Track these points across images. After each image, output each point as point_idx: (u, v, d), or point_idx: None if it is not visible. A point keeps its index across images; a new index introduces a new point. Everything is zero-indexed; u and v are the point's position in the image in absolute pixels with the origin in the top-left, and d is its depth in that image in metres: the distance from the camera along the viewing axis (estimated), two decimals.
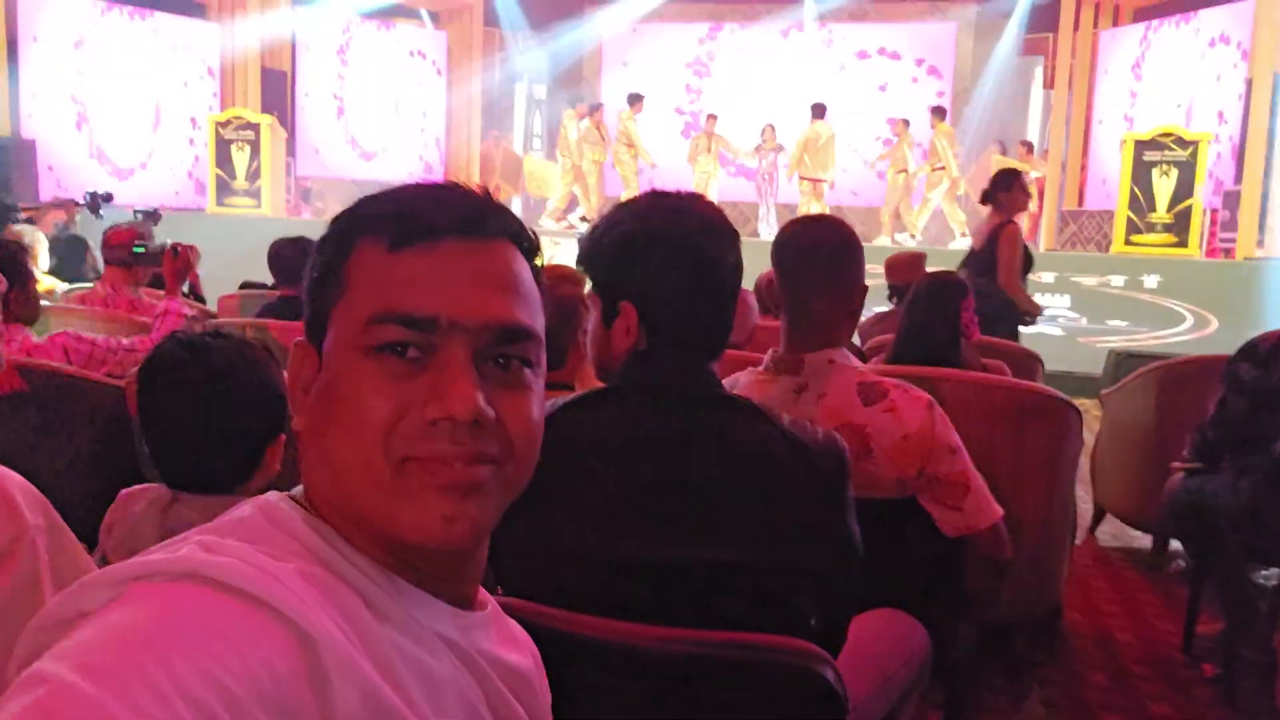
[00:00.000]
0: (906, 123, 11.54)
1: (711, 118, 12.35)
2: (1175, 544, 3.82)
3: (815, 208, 11.09)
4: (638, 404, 1.32)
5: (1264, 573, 3.37)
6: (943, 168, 11.12)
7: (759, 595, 1.24)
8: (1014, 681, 2.79)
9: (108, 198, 6.49)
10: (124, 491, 1.43)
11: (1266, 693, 2.65)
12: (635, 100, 12.16)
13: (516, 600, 1.22)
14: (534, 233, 0.77)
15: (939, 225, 11.63)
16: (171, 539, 0.64)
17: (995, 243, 4.96)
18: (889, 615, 1.75)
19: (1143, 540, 4.04)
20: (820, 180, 11.29)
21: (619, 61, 14.46)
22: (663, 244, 1.33)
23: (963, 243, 10.29)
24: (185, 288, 5.17)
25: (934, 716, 2.21)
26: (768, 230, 11.65)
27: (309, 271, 0.75)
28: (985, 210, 5.11)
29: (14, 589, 0.85)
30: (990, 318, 5.00)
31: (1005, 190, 5.01)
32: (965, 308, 2.86)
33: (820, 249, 1.83)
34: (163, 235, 5.75)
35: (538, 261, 0.76)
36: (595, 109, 12.32)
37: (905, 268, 4.24)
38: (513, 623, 0.82)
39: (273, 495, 0.70)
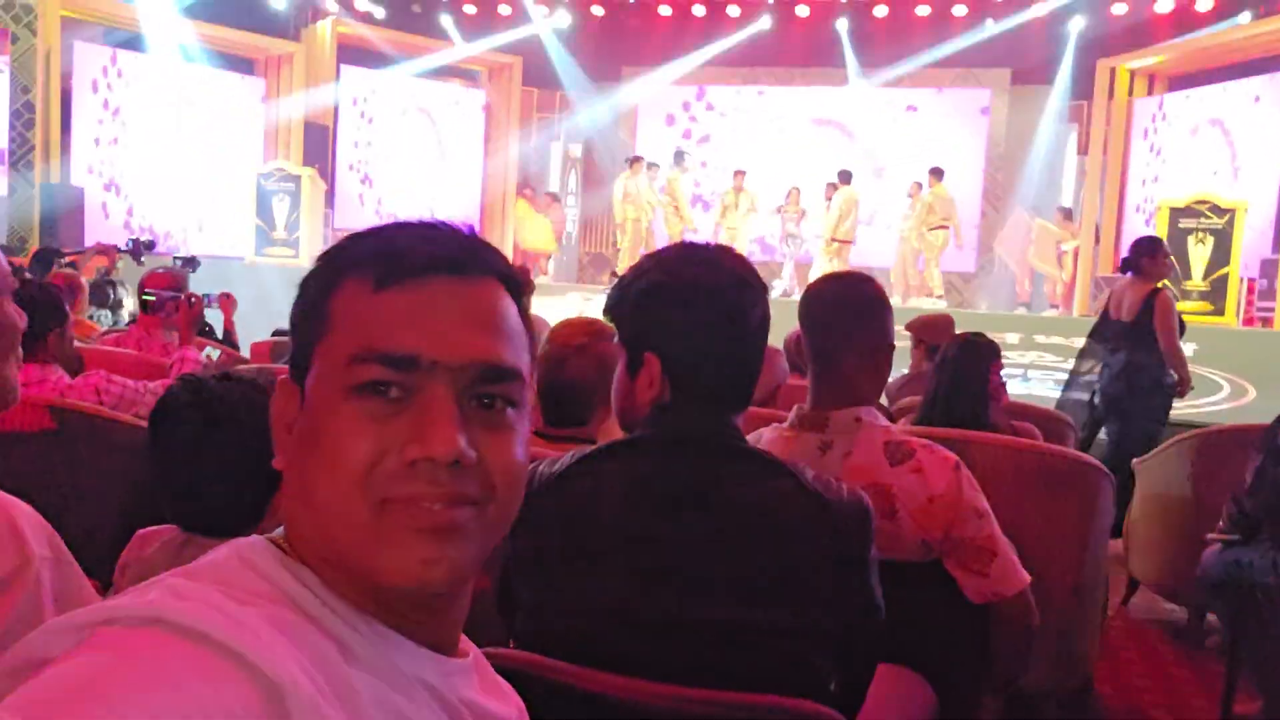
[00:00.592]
0: (919, 185, 11.59)
1: (740, 174, 12.44)
2: (1211, 617, 3.71)
3: (836, 266, 11.17)
4: (656, 457, 1.31)
5: None
6: (944, 226, 11.16)
7: (777, 655, 1.22)
8: None
9: (150, 245, 6.61)
10: (140, 532, 1.43)
11: None
12: (679, 158, 12.28)
13: (529, 655, 1.21)
14: (523, 270, 0.77)
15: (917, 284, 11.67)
16: (146, 582, 0.63)
17: (1150, 312, 4.83)
18: (893, 674, 1.71)
19: (1178, 613, 3.93)
20: (848, 242, 11.34)
21: (655, 121, 14.64)
22: (688, 296, 1.33)
23: (938, 304, 10.32)
24: (220, 334, 5.26)
25: None
26: (780, 287, 11.65)
27: (294, 308, 0.75)
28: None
29: (15, 619, 0.85)
30: (1144, 391, 4.92)
31: (1149, 256, 4.93)
32: (995, 370, 2.83)
33: (848, 305, 1.82)
34: (201, 283, 5.86)
35: (525, 300, 0.76)
36: (633, 161, 12.43)
37: (938, 328, 4.20)
38: (496, 675, 0.80)
39: (251, 538, 0.70)
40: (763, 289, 1.36)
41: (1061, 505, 2.70)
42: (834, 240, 11.33)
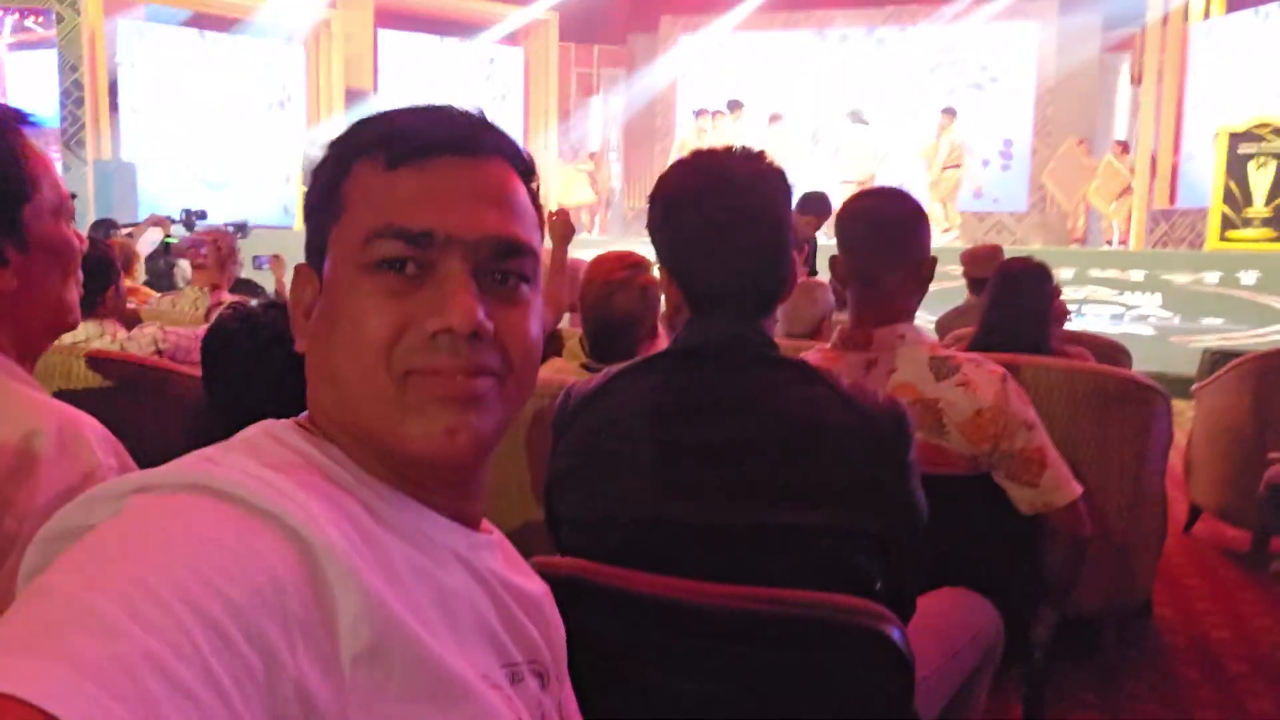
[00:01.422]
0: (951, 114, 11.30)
1: (702, 113, 12.20)
2: (1276, 542, 3.65)
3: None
4: (685, 368, 1.30)
5: None
6: (955, 166, 10.96)
7: (820, 557, 1.22)
8: (1102, 677, 2.70)
9: (202, 214, 6.71)
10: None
11: None
12: (735, 106, 12.09)
13: (577, 560, 1.23)
14: (529, 154, 0.78)
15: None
16: (178, 460, 0.64)
17: None
18: (956, 593, 1.71)
19: (1240, 538, 3.87)
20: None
21: (699, 72, 14.47)
22: (685, 204, 1.32)
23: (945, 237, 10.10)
24: (272, 293, 5.36)
25: (1015, 707, 2.15)
26: None
27: (307, 197, 0.76)
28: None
29: None
30: None
31: None
32: (1056, 291, 2.79)
33: (886, 221, 1.80)
34: (251, 248, 5.95)
35: (534, 183, 0.77)
36: (699, 114, 12.21)
37: (986, 260, 4.13)
38: (519, 555, 0.82)
39: (279, 422, 0.71)
40: (776, 190, 1.32)
41: (1115, 425, 2.67)
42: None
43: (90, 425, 0.93)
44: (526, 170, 0.76)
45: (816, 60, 13.96)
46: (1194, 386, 4.16)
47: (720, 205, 1.29)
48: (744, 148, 1.34)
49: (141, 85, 11.48)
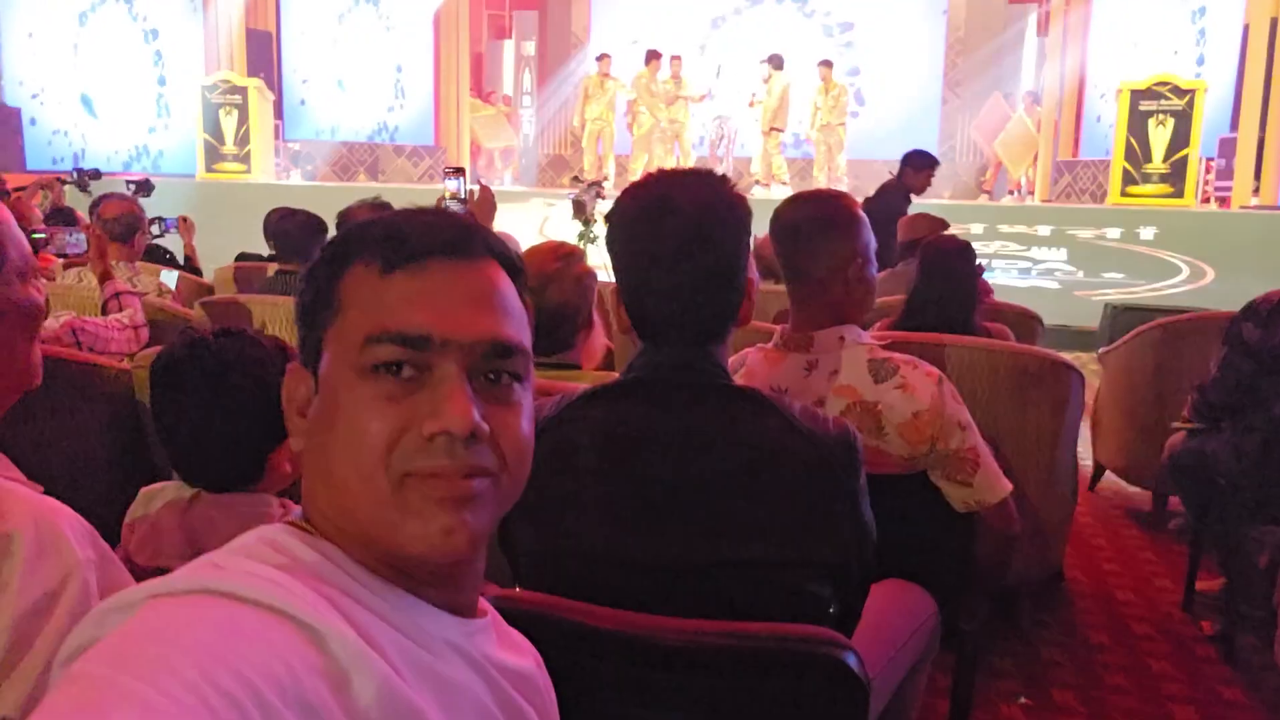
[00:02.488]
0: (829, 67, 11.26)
1: (604, 58, 11.95)
2: (1174, 501, 3.85)
3: (777, 160, 11.14)
4: (636, 400, 1.30)
5: (1261, 530, 3.41)
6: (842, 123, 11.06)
7: (775, 588, 1.25)
8: (1019, 644, 2.83)
9: (95, 174, 6.39)
10: (144, 490, 1.43)
11: (1265, 649, 2.70)
12: (652, 56, 11.76)
13: (538, 596, 1.23)
14: (516, 254, 0.80)
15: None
16: (182, 567, 0.66)
17: None
18: (897, 587, 1.76)
19: (1141, 497, 4.07)
20: (781, 130, 11.17)
21: (611, 12, 14.24)
22: (635, 229, 1.31)
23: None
24: (181, 259, 5.16)
25: (944, 682, 2.24)
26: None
27: (300, 296, 0.78)
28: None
29: (67, 628, 0.86)
30: None
31: None
32: (979, 271, 2.87)
33: (820, 224, 1.82)
34: (156, 205, 5.71)
35: (520, 280, 0.79)
36: (600, 58, 12.01)
37: (923, 228, 4.17)
38: (511, 630, 0.85)
39: (273, 525, 0.73)
40: (732, 215, 1.30)
41: (1034, 403, 2.77)
42: (772, 129, 11.15)
43: (67, 518, 0.90)
44: (514, 269, 0.78)
45: (724, 4, 13.86)
46: (1100, 350, 4.32)
47: (668, 233, 1.27)
48: (705, 171, 1.34)
49: (27, 25, 10.83)
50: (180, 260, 5.05)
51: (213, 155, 11.36)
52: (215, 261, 5.41)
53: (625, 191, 1.36)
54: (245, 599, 0.61)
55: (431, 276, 0.72)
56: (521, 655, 0.83)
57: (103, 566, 0.92)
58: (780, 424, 1.27)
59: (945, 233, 3.86)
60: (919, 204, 5.91)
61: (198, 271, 5.11)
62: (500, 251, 0.77)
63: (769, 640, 1.18)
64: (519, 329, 0.75)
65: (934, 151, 13.37)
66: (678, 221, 1.27)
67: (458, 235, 0.75)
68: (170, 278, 4.26)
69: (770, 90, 11.01)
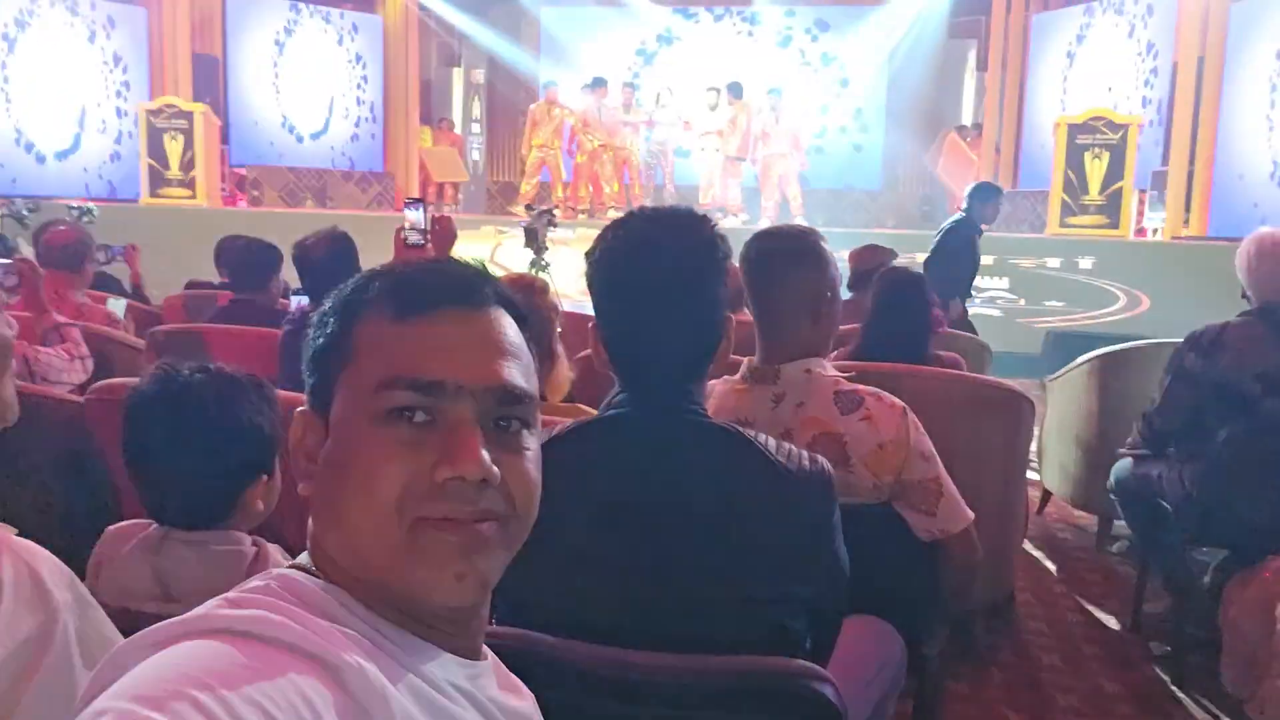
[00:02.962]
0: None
1: (552, 87, 12.10)
2: (1119, 525, 3.95)
3: (734, 191, 11.24)
4: (620, 437, 1.31)
5: (1205, 550, 3.51)
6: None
7: (754, 623, 1.26)
8: (974, 666, 2.88)
9: (34, 206, 6.23)
10: (111, 529, 1.41)
11: (1212, 668, 2.78)
12: (597, 84, 11.77)
13: (515, 631, 1.24)
14: (523, 300, 0.82)
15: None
16: (198, 607, 0.66)
17: None
18: (863, 622, 1.79)
19: (1087, 521, 4.17)
20: (743, 160, 11.26)
21: (562, 43, 14.31)
22: (618, 271, 1.32)
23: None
24: (129, 288, 5.06)
25: (904, 709, 2.28)
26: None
27: (310, 342, 0.78)
28: None
29: (48, 672, 0.85)
30: None
31: None
32: (932, 303, 2.93)
33: (788, 259, 1.85)
34: (99, 232, 5.60)
35: (526, 330, 0.80)
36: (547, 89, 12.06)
37: (871, 258, 4.24)
38: (508, 671, 0.85)
39: (285, 569, 0.74)
40: (719, 253, 1.32)
41: (987, 431, 2.84)
42: (736, 159, 11.23)
43: (46, 563, 0.89)
44: (521, 317, 0.80)
45: (675, 34, 14.00)
46: (1046, 378, 4.43)
47: (653, 275, 1.29)
48: (686, 211, 1.36)
49: None
50: (128, 289, 4.97)
51: (157, 180, 11.16)
52: (161, 289, 5.33)
53: (608, 228, 1.37)
54: (264, 638, 0.62)
55: (444, 324, 0.74)
56: (521, 697, 0.84)
57: (81, 610, 0.91)
58: (758, 462, 1.28)
59: (896, 263, 3.93)
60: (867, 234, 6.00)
61: (146, 299, 5.03)
62: (508, 299, 0.79)
63: (747, 674, 1.20)
64: (527, 376, 0.76)
65: (878, 180, 13.58)
66: (662, 263, 1.29)
67: (469, 284, 0.76)
68: (119, 306, 4.19)
69: (735, 120, 11.08)
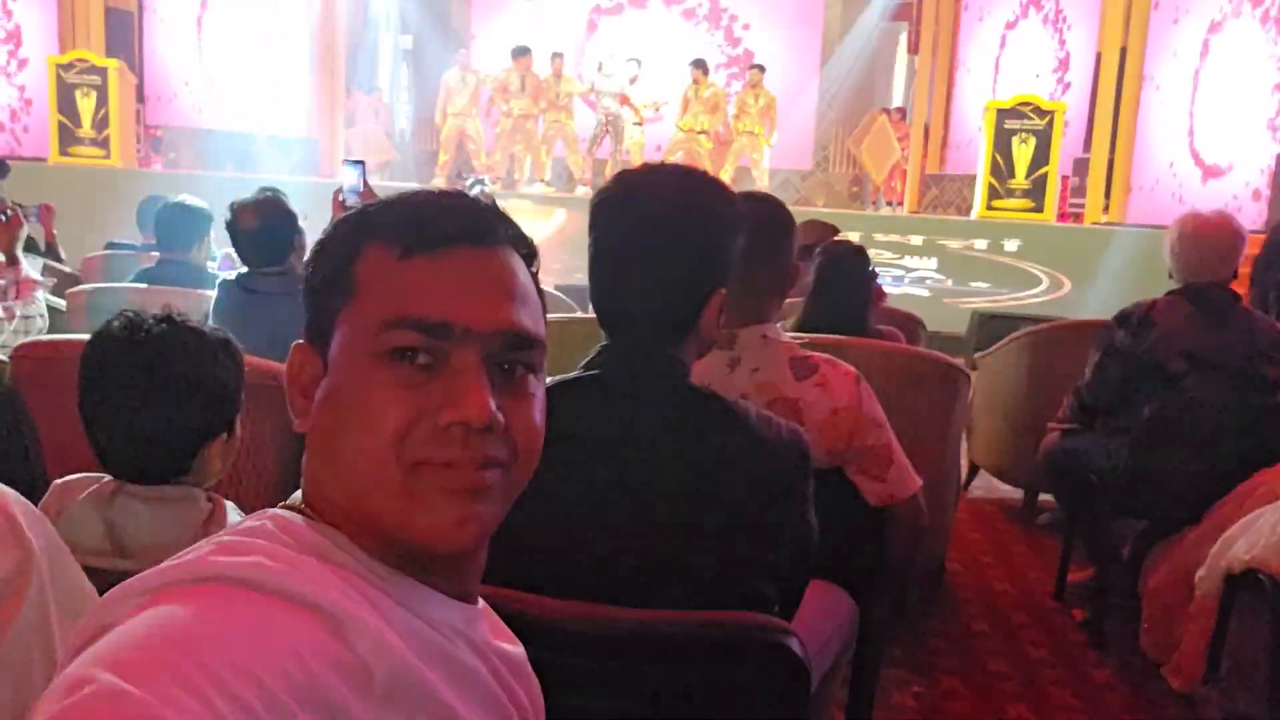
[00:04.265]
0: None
1: (462, 51, 11.92)
2: (1044, 498, 4.07)
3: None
4: (596, 395, 1.30)
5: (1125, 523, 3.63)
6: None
7: (724, 587, 1.26)
8: (907, 634, 2.94)
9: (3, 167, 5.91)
10: (59, 482, 1.36)
11: (1132, 634, 2.89)
12: (523, 52, 11.50)
13: (492, 588, 1.22)
14: (530, 239, 0.79)
15: None
16: (189, 548, 0.64)
17: None
18: (821, 588, 1.81)
19: (1013, 494, 4.29)
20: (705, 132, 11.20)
21: (492, 7, 14.10)
22: (606, 220, 1.32)
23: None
24: (42, 247, 4.87)
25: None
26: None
27: (309, 274, 0.75)
28: None
29: (25, 613, 0.81)
30: None
31: None
32: (873, 276, 2.97)
33: (763, 225, 1.85)
34: (6, 190, 5.37)
35: (534, 267, 0.78)
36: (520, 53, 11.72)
37: (817, 232, 4.27)
38: (500, 620, 0.85)
39: (275, 509, 0.71)
40: (721, 214, 1.32)
41: (924, 402, 2.89)
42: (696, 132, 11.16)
43: (18, 504, 0.85)
44: (530, 256, 0.77)
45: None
46: (976, 354, 4.53)
47: (645, 225, 1.28)
48: (700, 171, 1.35)
49: None
50: (41, 248, 4.77)
51: (67, 138, 10.72)
52: (74, 251, 5.14)
53: (615, 177, 1.37)
54: (262, 587, 0.60)
55: (453, 263, 0.71)
56: (512, 642, 0.83)
57: (52, 554, 0.88)
58: (735, 426, 1.28)
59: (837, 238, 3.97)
60: (797, 209, 6.02)
61: (60, 259, 4.85)
62: (520, 238, 0.76)
63: (716, 628, 1.20)
64: (536, 320, 0.74)
65: (809, 160, 13.63)
66: (650, 216, 1.28)
67: (480, 221, 0.74)
68: (35, 265, 4.02)
69: (707, 98, 10.95)
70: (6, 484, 1.58)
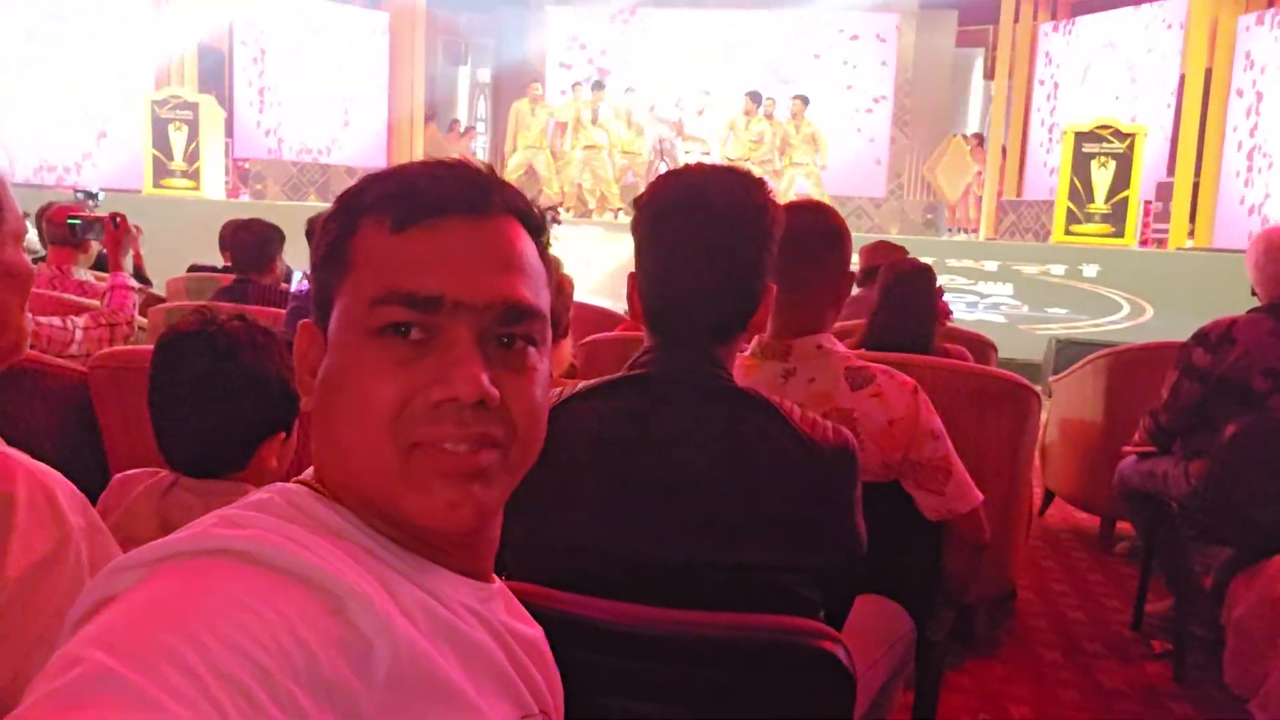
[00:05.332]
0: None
1: (533, 84, 12.08)
2: (1121, 526, 3.93)
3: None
4: (638, 399, 1.29)
5: (1207, 551, 3.49)
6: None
7: (768, 590, 1.24)
8: (975, 658, 2.86)
9: (94, 195, 6.17)
10: (119, 476, 1.40)
11: (1213, 667, 2.76)
12: (597, 86, 11.80)
13: (534, 586, 1.22)
14: (539, 209, 0.76)
15: None
16: (195, 521, 0.64)
17: None
18: (871, 602, 1.78)
19: (1089, 522, 4.16)
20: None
21: (568, 44, 14.33)
22: (658, 223, 1.31)
23: None
24: (129, 266, 5.05)
25: (904, 697, 2.26)
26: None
27: (313, 251, 0.74)
28: None
29: (63, 594, 0.83)
30: None
31: None
32: (939, 294, 2.92)
33: (822, 234, 1.84)
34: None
35: (543, 238, 0.76)
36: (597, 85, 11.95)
37: (883, 254, 4.23)
38: (516, 600, 0.83)
39: (287, 483, 0.70)
40: (767, 218, 1.30)
41: (993, 423, 2.82)
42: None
43: (60, 484, 0.87)
44: (536, 227, 0.75)
45: (681, 38, 14.01)
46: (1051, 378, 4.42)
47: (697, 231, 1.27)
48: (743, 171, 1.34)
49: None
50: (131, 269, 4.94)
51: (160, 170, 11.16)
52: (163, 277, 5.32)
53: (659, 179, 1.37)
54: (263, 562, 0.58)
55: (446, 234, 0.69)
56: (529, 624, 0.82)
57: (92, 536, 0.90)
58: (782, 430, 1.26)
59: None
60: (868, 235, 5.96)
61: (146, 280, 5.01)
62: (520, 207, 0.74)
63: (760, 632, 1.18)
64: (536, 290, 0.71)
65: (882, 188, 13.53)
66: (708, 219, 1.27)
67: (475, 190, 0.71)
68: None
69: (762, 135, 10.98)
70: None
